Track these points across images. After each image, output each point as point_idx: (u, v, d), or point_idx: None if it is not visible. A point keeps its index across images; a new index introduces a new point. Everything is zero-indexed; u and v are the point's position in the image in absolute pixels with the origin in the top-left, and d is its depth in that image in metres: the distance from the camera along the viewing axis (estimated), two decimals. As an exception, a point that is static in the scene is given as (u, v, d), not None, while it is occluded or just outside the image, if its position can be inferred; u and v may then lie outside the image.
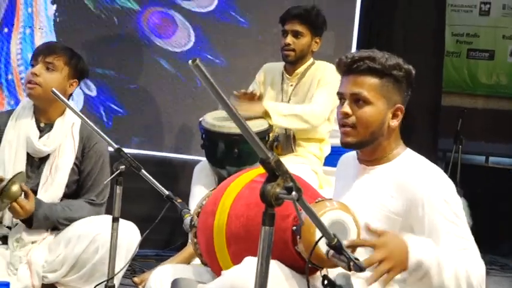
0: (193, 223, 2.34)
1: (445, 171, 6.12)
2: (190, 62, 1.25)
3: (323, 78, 3.52)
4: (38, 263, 2.95)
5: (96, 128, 2.77)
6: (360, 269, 1.66)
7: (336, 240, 1.64)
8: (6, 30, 4.28)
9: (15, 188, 2.83)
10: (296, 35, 3.63)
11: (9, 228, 3.02)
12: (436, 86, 6.06)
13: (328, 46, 4.59)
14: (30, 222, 2.95)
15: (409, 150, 2.21)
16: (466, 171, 6.39)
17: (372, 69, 2.06)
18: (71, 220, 3.02)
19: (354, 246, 1.81)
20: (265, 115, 3.43)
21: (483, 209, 6.38)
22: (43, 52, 3.07)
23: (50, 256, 2.97)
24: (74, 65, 3.12)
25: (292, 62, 3.68)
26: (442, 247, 1.96)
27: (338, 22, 4.99)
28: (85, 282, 2.92)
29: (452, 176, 6.09)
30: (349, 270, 1.67)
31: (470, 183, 6.27)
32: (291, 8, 3.70)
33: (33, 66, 3.07)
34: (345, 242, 1.75)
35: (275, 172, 1.39)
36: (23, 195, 2.88)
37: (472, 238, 2.05)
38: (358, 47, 5.25)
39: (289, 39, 3.61)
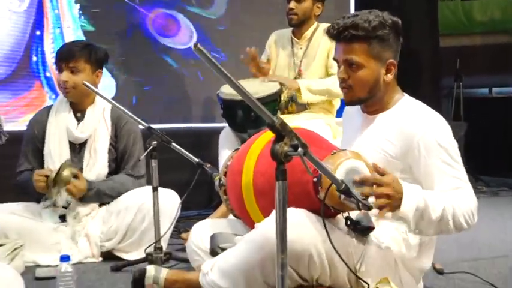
0: (221, 182, 2.38)
1: (451, 107, 6.17)
2: (192, 46, 1.29)
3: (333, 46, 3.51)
4: (95, 235, 3.05)
5: (126, 110, 2.80)
6: (368, 207, 1.71)
7: (343, 185, 1.69)
8: (38, 33, 4.29)
9: (66, 173, 2.93)
10: (299, 0, 3.63)
11: (65, 208, 3.09)
12: (433, 30, 6.00)
13: (329, 7, 4.56)
14: (85, 200, 3.05)
15: (407, 97, 2.22)
16: (471, 104, 6.39)
17: (357, 36, 2.06)
18: (118, 193, 3.10)
19: (365, 181, 1.82)
20: (297, 92, 3.49)
21: (491, 136, 6.38)
22: (64, 59, 3.10)
23: (104, 227, 3.06)
24: (94, 60, 3.15)
25: (296, 25, 3.67)
26: (436, 187, 2.00)
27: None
28: (137, 246, 3.00)
29: (457, 111, 6.12)
30: (359, 209, 1.72)
31: (477, 115, 6.27)
32: None
33: (58, 70, 3.14)
34: (356, 178, 1.81)
35: (281, 133, 1.43)
36: (70, 181, 2.96)
37: (465, 178, 2.06)
38: (356, 6, 5.22)
39: (292, 4, 3.62)
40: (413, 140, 2.05)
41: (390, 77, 2.15)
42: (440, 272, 2.58)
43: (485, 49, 7.04)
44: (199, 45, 1.28)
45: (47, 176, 2.93)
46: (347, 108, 2.40)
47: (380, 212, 1.83)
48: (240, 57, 3.58)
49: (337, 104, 3.68)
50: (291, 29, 3.76)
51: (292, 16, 3.63)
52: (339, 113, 3.53)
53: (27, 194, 3.16)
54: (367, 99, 2.17)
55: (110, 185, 3.12)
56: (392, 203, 1.84)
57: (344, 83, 2.14)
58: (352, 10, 5.21)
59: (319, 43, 3.61)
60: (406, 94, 2.24)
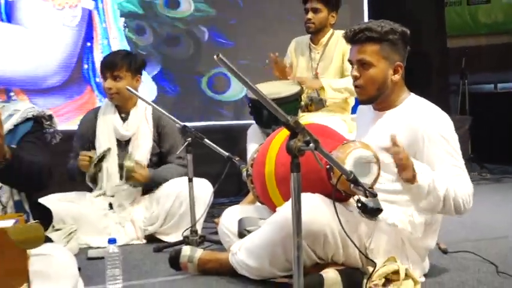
0: (248, 173, 2.41)
1: (458, 102, 6.13)
2: (214, 56, 1.32)
3: (345, 48, 3.51)
4: (139, 220, 3.09)
5: (164, 112, 2.89)
6: (373, 195, 1.73)
7: (352, 175, 1.71)
8: (88, 44, 4.37)
9: (131, 163, 3.00)
10: (315, 11, 3.63)
11: (112, 196, 3.13)
12: (441, 32, 5.94)
13: (345, 16, 4.56)
14: (145, 186, 3.11)
15: (413, 95, 2.23)
16: (477, 99, 6.33)
17: (370, 38, 2.10)
18: (167, 179, 3.12)
19: (388, 149, 1.89)
20: (321, 90, 3.50)
21: (496, 128, 6.31)
22: (108, 69, 3.13)
23: (147, 213, 3.11)
24: (133, 67, 3.17)
25: (313, 33, 3.68)
26: (437, 173, 2.01)
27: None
28: (176, 229, 3.02)
29: (463, 106, 6.08)
30: (366, 197, 1.74)
31: (483, 108, 6.21)
32: None
33: (104, 79, 3.17)
34: (370, 153, 1.88)
35: (295, 130, 1.46)
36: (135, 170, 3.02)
37: (463, 167, 2.09)
38: (370, 14, 5.19)
39: (310, 14, 3.64)
40: (418, 133, 2.07)
41: (397, 77, 2.17)
42: (444, 251, 2.57)
43: (490, 48, 6.96)
44: (220, 55, 1.31)
45: (90, 158, 3.01)
46: (360, 106, 2.41)
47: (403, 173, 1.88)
48: (266, 62, 3.60)
49: (351, 102, 3.68)
50: (309, 35, 3.76)
51: (309, 25, 3.65)
52: (354, 111, 3.53)
53: (72, 177, 3.20)
54: (376, 97, 2.19)
55: (162, 172, 3.15)
56: (409, 170, 1.87)
57: (356, 81, 2.17)
58: (366, 18, 5.17)
59: (335, 48, 3.61)
60: (412, 93, 2.25)
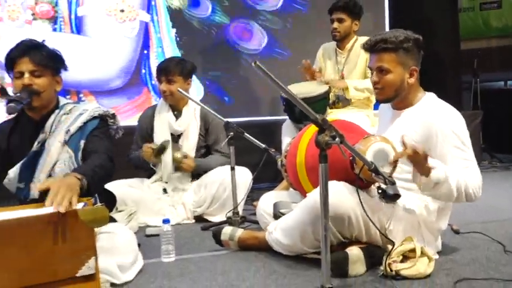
0: (282, 163, 2.41)
1: (470, 98, 6.00)
2: (252, 63, 1.33)
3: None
4: (189, 203, 3.12)
5: (210, 110, 2.92)
6: (392, 183, 1.71)
7: (373, 166, 1.70)
8: (145, 51, 4.43)
9: (179, 154, 3.07)
10: (340, 21, 3.59)
11: (166, 182, 3.17)
12: (455, 35, 5.80)
13: (368, 24, 4.50)
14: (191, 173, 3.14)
15: (428, 95, 2.18)
16: (489, 96, 6.17)
17: (386, 48, 2.08)
18: (211, 168, 3.15)
19: (402, 156, 1.84)
20: (345, 90, 3.49)
21: (506, 121, 6.17)
22: (163, 74, 3.17)
23: (195, 197, 3.13)
24: (185, 72, 3.20)
25: (339, 40, 3.65)
26: (449, 166, 1.96)
27: (374, 5, 4.86)
28: (220, 211, 3.05)
29: (475, 101, 5.95)
30: (385, 184, 1.72)
31: (493, 103, 6.06)
32: (335, 2, 3.66)
33: (159, 82, 3.21)
34: (388, 146, 1.84)
35: (323, 127, 1.46)
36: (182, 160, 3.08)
37: (474, 160, 2.04)
38: (390, 21, 5.10)
39: (335, 24, 3.60)
40: (432, 129, 2.03)
41: (413, 80, 2.14)
42: (456, 232, 2.53)
43: (500, 49, 6.78)
44: (257, 62, 1.31)
45: (152, 149, 3.06)
46: (382, 105, 2.39)
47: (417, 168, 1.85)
48: (298, 67, 3.61)
49: (374, 100, 3.63)
50: (334, 42, 3.73)
51: (335, 33, 3.61)
52: (376, 107, 3.49)
53: (136, 165, 3.25)
54: (394, 98, 2.16)
55: (207, 162, 3.18)
56: (422, 165, 1.84)
57: (376, 85, 2.15)
58: (387, 24, 5.07)
59: (359, 53, 3.56)
60: (428, 93, 2.20)
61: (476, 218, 2.87)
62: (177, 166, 3.10)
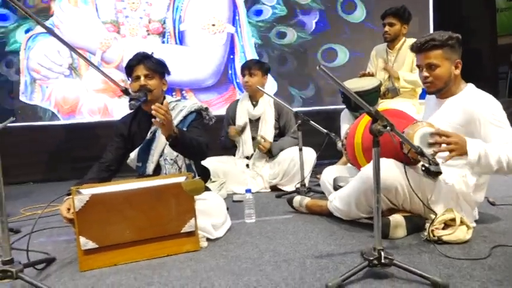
0: (343, 143, 2.35)
1: (506, 87, 5.50)
2: (317, 67, 1.27)
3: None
4: (266, 175, 3.13)
5: (280, 101, 2.88)
6: (436, 164, 1.59)
7: (419, 149, 1.59)
8: (232, 56, 4.44)
9: (259, 137, 3.07)
10: (391, 25, 3.39)
11: (248, 158, 3.19)
12: (492, 32, 5.29)
13: (415, 26, 4.21)
14: (270, 152, 3.13)
15: (469, 85, 2.00)
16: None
17: (434, 45, 1.92)
18: (283, 148, 3.12)
19: (439, 134, 1.70)
20: (396, 79, 3.32)
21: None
22: (246, 68, 3.19)
23: (271, 171, 3.13)
24: (263, 69, 3.21)
25: (389, 41, 3.45)
26: (491, 143, 1.80)
27: (419, 10, 4.53)
28: (290, 182, 3.03)
29: (510, 90, 5.45)
30: (430, 164, 1.61)
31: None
32: (388, 9, 3.46)
33: (243, 75, 3.22)
34: (433, 130, 1.70)
35: (376, 117, 1.38)
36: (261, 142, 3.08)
37: None
38: (434, 21, 4.74)
39: (387, 27, 3.40)
40: (474, 114, 1.86)
41: (458, 71, 1.97)
42: (492, 204, 2.33)
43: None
44: (321, 66, 1.26)
45: (236, 131, 3.10)
46: (428, 96, 2.23)
47: (449, 155, 1.70)
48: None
49: (419, 91, 3.42)
50: (385, 44, 3.53)
51: (386, 36, 3.41)
52: (422, 97, 3.29)
53: (224, 146, 3.27)
54: (444, 89, 1.99)
55: (280, 144, 3.15)
56: (459, 149, 1.70)
57: (427, 79, 1.99)
58: (431, 26, 4.72)
59: (406, 53, 3.35)
60: (468, 84, 2.03)
61: (511, 192, 2.64)
62: (256, 147, 3.10)
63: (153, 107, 1.83)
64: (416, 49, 1.98)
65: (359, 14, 4.63)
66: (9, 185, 3.73)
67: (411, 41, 3.35)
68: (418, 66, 2.02)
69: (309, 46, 4.56)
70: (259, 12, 4.50)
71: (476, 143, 1.75)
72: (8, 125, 2.41)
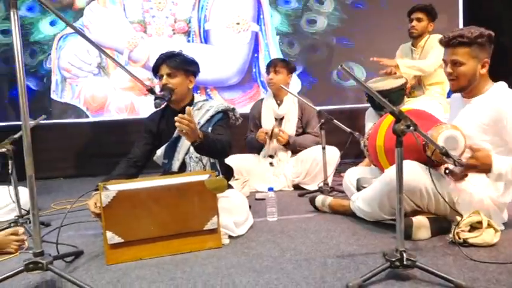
0: (365, 144, 2.32)
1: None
2: (339, 66, 1.27)
3: (434, 44, 3.22)
4: (289, 174, 3.12)
5: (303, 99, 2.88)
6: (461, 165, 1.56)
7: (444, 149, 1.56)
8: (256, 55, 4.43)
9: (276, 130, 3.07)
10: (419, 20, 3.34)
11: (272, 157, 3.20)
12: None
13: (443, 22, 4.10)
14: (287, 148, 3.13)
15: (495, 85, 1.94)
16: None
17: (462, 42, 1.86)
18: (302, 144, 3.12)
19: (471, 148, 1.69)
20: (397, 68, 3.24)
21: None
22: (271, 66, 3.20)
23: (294, 169, 3.12)
24: (288, 67, 3.21)
25: (415, 37, 3.39)
26: None
27: (448, 6, 4.42)
28: (313, 181, 3.02)
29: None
30: (455, 166, 1.58)
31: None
32: (415, 5, 3.40)
33: (268, 73, 3.23)
34: (458, 132, 1.68)
35: (399, 117, 1.37)
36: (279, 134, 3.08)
37: None
38: (464, 18, 4.60)
39: (414, 22, 3.35)
40: (501, 113, 1.81)
41: (484, 71, 1.91)
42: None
43: None
44: (343, 65, 1.26)
45: (266, 133, 3.10)
46: (453, 95, 2.18)
47: (469, 170, 1.68)
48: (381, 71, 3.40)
49: (447, 89, 3.34)
50: (410, 42, 3.47)
51: (413, 31, 3.36)
52: (449, 96, 3.21)
53: (252, 146, 3.28)
54: (467, 87, 1.94)
55: (300, 139, 3.15)
56: (481, 166, 1.69)
57: (450, 75, 1.94)
58: (461, 21, 4.59)
59: (430, 49, 3.28)
60: (496, 83, 1.97)
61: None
62: (274, 138, 3.09)
63: (176, 118, 1.80)
64: (444, 43, 1.93)
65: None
66: (41, 180, 3.89)
67: (434, 37, 3.28)
68: (443, 60, 1.97)
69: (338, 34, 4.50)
70: (287, 1, 4.49)
71: (502, 161, 1.71)
72: (40, 122, 2.52)
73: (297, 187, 3.10)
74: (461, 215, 1.77)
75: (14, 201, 2.26)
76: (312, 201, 2.41)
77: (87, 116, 4.39)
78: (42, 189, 3.55)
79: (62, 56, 4.35)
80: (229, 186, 2.15)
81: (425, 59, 3.29)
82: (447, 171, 1.81)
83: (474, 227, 1.76)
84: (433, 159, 1.74)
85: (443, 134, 1.71)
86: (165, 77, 2.15)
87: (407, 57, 3.46)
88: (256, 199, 2.79)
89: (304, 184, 3.08)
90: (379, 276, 1.44)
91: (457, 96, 2.11)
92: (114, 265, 1.72)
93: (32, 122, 2.38)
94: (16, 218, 2.26)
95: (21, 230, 1.96)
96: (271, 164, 3.17)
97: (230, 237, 1.95)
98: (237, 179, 2.87)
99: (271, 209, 2.28)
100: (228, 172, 2.39)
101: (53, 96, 4.38)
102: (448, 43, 1.91)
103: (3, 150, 2.16)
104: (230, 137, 2.15)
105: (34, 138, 1.43)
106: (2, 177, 2.66)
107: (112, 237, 1.73)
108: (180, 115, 1.81)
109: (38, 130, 2.61)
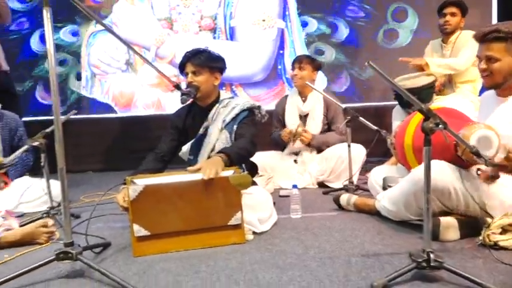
0: (392, 142, 2.29)
1: None
2: (366, 63, 1.25)
3: (466, 41, 3.11)
4: (313, 171, 3.11)
5: (328, 96, 2.86)
6: (493, 165, 1.51)
7: (475, 149, 1.51)
8: (281, 51, 4.43)
9: (300, 128, 3.07)
10: (452, 15, 3.24)
11: (296, 154, 3.19)
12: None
13: (476, 18, 3.98)
14: (311, 146, 3.12)
15: None
16: None
17: (498, 37, 1.79)
18: (326, 142, 3.11)
19: (500, 148, 1.62)
20: (426, 66, 3.14)
21: None
22: (297, 62, 3.20)
23: (318, 167, 3.11)
24: (313, 65, 3.20)
25: (448, 33, 3.29)
26: None
27: (481, 1, 4.29)
28: (338, 179, 3.00)
29: None
30: (486, 166, 1.53)
31: None
32: (446, 0, 3.31)
33: (293, 69, 3.23)
34: (492, 133, 1.61)
35: (428, 115, 1.34)
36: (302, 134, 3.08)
37: None
38: (498, 14, 4.43)
39: (448, 17, 3.25)
40: None
41: None
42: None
43: None
44: (371, 62, 1.24)
45: (290, 132, 3.10)
46: (485, 93, 2.11)
47: (501, 171, 1.63)
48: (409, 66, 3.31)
49: (478, 87, 3.23)
50: (440, 39, 3.37)
51: (446, 26, 3.25)
52: (481, 93, 3.11)
53: (277, 143, 3.28)
54: (500, 85, 1.87)
55: (323, 138, 3.13)
56: (509, 169, 1.61)
57: (485, 72, 1.88)
58: (494, 18, 4.44)
59: (462, 46, 3.18)
60: None
61: None
62: (297, 138, 3.08)
63: (202, 176, 1.78)
64: (479, 38, 1.86)
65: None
66: (71, 173, 3.98)
67: (466, 33, 3.19)
68: (477, 56, 1.91)
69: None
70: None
71: None
72: (71, 117, 2.59)
73: (321, 185, 3.08)
74: (492, 217, 1.71)
75: (46, 194, 2.33)
76: (337, 200, 2.38)
77: (115, 112, 4.49)
78: (72, 182, 3.63)
79: (91, 53, 4.46)
80: (254, 183, 2.17)
81: (457, 56, 3.19)
82: (479, 172, 1.76)
83: (505, 229, 1.70)
84: (464, 158, 1.69)
85: (476, 133, 1.65)
86: (190, 75, 2.18)
87: (437, 53, 3.37)
88: (280, 196, 2.79)
89: (329, 182, 3.06)
90: (404, 277, 1.41)
91: (489, 94, 2.04)
92: (141, 257, 1.76)
93: (63, 117, 2.45)
94: (48, 209, 2.33)
95: (50, 222, 2.02)
96: (295, 161, 3.17)
97: (254, 233, 1.95)
98: (261, 176, 2.89)
99: (295, 206, 2.27)
100: (253, 169, 2.40)
101: (83, 92, 4.50)
102: (482, 38, 1.85)
103: (36, 143, 2.23)
104: (254, 134, 2.16)
105: (65, 133, 1.47)
106: (35, 170, 2.76)
107: (139, 230, 1.77)
108: (207, 174, 1.78)
109: (69, 125, 2.69)
